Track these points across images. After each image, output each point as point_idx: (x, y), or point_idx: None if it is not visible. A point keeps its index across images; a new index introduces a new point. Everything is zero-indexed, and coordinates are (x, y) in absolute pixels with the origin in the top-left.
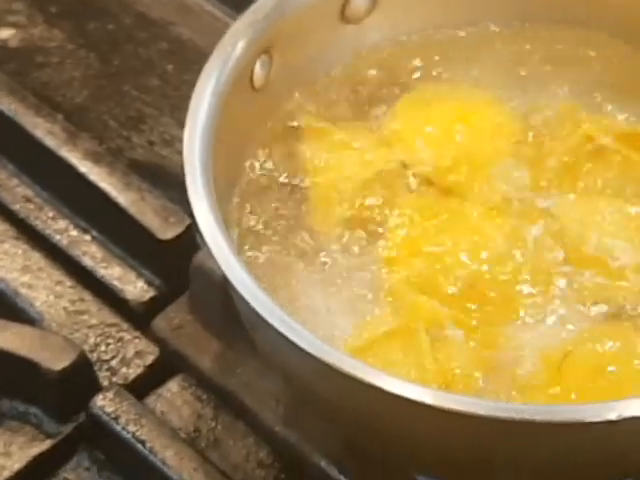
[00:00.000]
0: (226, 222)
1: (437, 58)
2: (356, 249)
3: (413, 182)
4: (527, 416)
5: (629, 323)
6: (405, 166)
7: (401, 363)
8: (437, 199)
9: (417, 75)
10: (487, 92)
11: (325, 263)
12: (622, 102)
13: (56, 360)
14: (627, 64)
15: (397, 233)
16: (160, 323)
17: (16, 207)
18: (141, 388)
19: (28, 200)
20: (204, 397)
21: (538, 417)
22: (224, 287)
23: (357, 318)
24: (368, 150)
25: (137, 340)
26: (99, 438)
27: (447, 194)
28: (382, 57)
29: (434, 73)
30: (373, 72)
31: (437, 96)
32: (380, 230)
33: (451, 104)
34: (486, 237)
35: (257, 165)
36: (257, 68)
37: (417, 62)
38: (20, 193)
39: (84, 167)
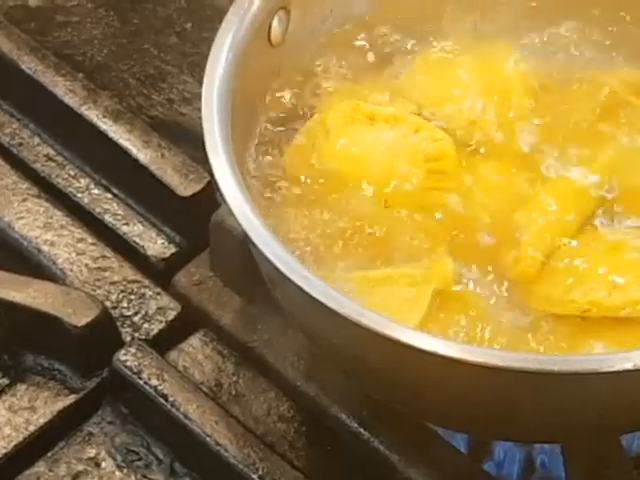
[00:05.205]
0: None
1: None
2: None
3: None
4: (543, 366)
5: None
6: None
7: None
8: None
9: (435, 29)
10: (506, 47)
11: None
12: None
13: (79, 316)
14: None
15: None
16: (181, 279)
17: (38, 166)
18: (163, 343)
19: (49, 159)
20: (225, 352)
21: (555, 367)
22: (244, 243)
23: None
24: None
25: (158, 296)
26: (122, 393)
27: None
28: (398, 12)
29: (448, 30)
30: (389, 27)
31: (455, 51)
32: None
33: (470, 58)
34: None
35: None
36: (274, 24)
37: (436, 16)
38: (41, 152)
39: (104, 125)
